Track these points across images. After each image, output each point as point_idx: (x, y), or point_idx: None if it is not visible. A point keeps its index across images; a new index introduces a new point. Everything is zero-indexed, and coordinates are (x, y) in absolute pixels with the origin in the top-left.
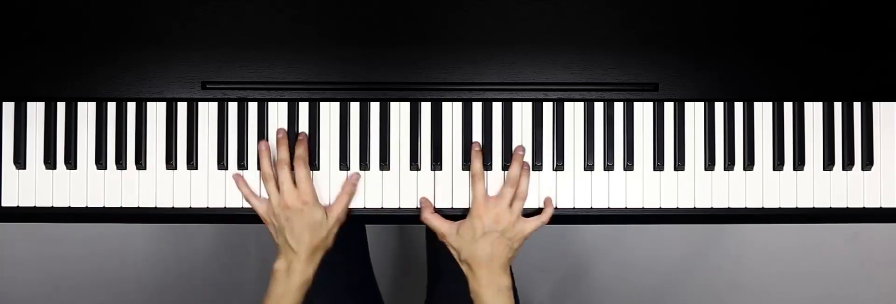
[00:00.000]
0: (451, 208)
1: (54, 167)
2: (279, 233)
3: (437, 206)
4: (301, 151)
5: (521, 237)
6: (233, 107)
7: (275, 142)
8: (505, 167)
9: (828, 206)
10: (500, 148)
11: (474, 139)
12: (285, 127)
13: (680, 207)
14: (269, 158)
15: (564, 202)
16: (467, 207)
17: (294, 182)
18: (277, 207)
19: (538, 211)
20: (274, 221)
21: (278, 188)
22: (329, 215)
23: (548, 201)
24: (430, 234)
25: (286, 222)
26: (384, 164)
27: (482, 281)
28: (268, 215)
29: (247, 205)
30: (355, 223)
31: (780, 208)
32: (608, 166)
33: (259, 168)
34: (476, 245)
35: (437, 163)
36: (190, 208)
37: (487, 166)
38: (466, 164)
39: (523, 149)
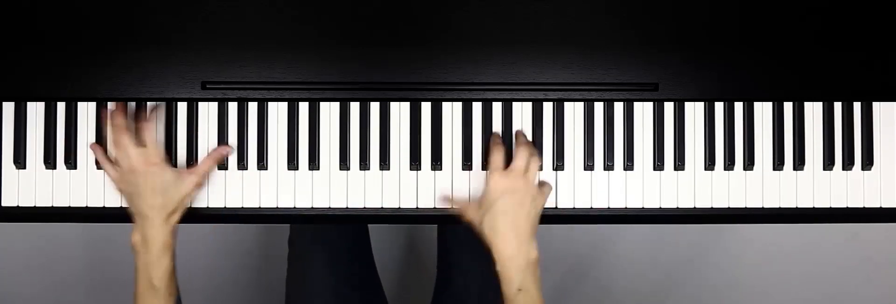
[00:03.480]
0: (451, 208)
1: (54, 167)
2: (131, 200)
3: (437, 206)
4: (150, 114)
5: (544, 200)
6: (233, 107)
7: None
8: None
9: (828, 206)
10: None
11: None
12: (285, 127)
13: (680, 207)
14: (118, 126)
15: (564, 202)
16: None
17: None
18: (127, 172)
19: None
20: (125, 187)
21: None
22: (185, 178)
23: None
24: (443, 231)
25: (134, 186)
26: (384, 164)
27: (505, 253)
28: (119, 182)
29: (252, 204)
30: (357, 223)
31: (780, 208)
32: (608, 166)
33: (108, 139)
34: (496, 210)
35: (437, 163)
36: (189, 207)
37: (488, 166)
38: (467, 164)
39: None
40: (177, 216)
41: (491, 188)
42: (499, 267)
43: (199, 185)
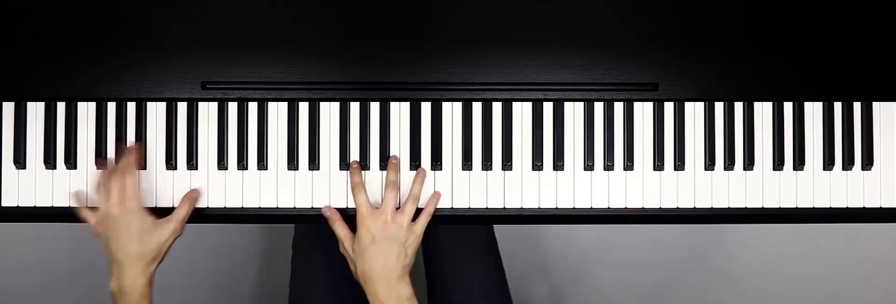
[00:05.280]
0: (451, 208)
1: (54, 167)
2: (107, 246)
3: (436, 206)
4: (130, 159)
5: (416, 239)
6: (233, 107)
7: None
8: (505, 167)
9: (828, 206)
10: (500, 148)
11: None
12: (285, 127)
13: (680, 207)
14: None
15: (564, 202)
16: (467, 206)
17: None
18: (103, 216)
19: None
20: (101, 232)
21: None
22: (162, 227)
23: (434, 194)
24: (425, 239)
25: (111, 231)
26: (384, 164)
27: (380, 297)
28: (96, 226)
29: (252, 205)
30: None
31: (780, 208)
32: (608, 166)
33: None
34: (367, 258)
35: (436, 163)
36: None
37: (487, 166)
38: (467, 164)
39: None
40: (155, 266)
41: (361, 235)
42: None
43: (178, 232)
